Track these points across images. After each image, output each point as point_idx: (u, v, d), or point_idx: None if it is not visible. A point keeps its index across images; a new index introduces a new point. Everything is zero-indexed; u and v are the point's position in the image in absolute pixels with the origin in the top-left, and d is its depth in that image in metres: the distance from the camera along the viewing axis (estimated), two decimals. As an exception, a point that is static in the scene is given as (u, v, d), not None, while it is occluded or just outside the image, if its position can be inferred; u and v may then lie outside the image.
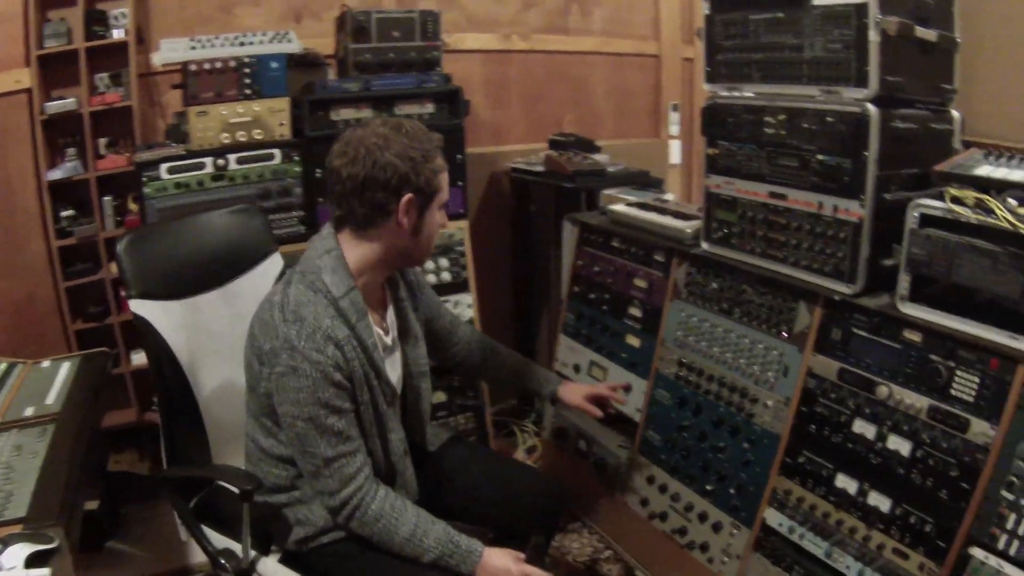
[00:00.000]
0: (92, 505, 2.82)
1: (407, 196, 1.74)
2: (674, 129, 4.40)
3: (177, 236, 2.21)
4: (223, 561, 1.89)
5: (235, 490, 1.81)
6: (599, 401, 2.40)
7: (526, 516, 2.15)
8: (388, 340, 1.94)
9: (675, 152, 4.38)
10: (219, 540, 1.98)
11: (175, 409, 2.09)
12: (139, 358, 3.16)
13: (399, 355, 2.02)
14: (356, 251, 1.81)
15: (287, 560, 1.92)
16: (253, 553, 1.90)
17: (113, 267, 3.03)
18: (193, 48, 2.84)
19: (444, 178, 1.81)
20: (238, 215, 2.34)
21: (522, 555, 1.86)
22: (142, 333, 2.05)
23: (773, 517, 2.29)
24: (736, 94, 2.37)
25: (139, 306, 2.03)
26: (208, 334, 2.16)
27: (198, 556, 2.85)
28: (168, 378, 2.06)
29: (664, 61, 4.33)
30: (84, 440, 2.16)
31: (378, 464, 1.88)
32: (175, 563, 2.86)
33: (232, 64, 2.83)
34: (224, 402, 2.17)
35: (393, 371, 1.96)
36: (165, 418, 2.08)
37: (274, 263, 2.35)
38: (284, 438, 1.82)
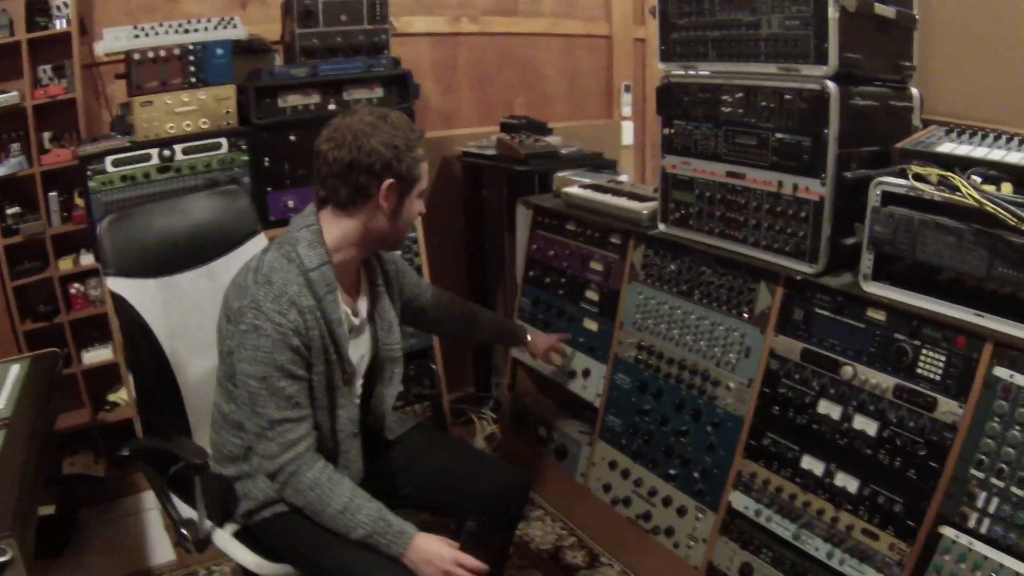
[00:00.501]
0: (48, 510, 2.74)
1: (388, 181, 1.80)
2: (626, 110, 4.35)
3: (160, 216, 2.22)
4: (184, 531, 1.93)
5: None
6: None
7: (488, 506, 2.11)
8: (356, 321, 1.98)
9: (628, 133, 4.33)
10: (187, 511, 2.01)
11: (152, 385, 2.12)
12: (91, 357, 3.07)
13: (367, 338, 2.05)
14: (335, 229, 1.86)
15: (240, 534, 1.96)
16: (209, 524, 1.95)
17: (62, 264, 2.95)
18: (137, 36, 2.73)
19: (424, 167, 1.89)
20: (223, 196, 2.36)
21: (456, 543, 1.84)
22: (118, 311, 2.08)
23: (739, 500, 2.27)
24: (691, 73, 2.32)
25: (116, 284, 2.06)
26: (189, 312, 2.18)
27: (159, 558, 2.81)
28: (144, 355, 2.09)
29: (615, 42, 4.26)
30: (37, 445, 2.09)
31: (324, 439, 1.90)
32: (136, 566, 2.79)
33: (177, 52, 2.72)
34: (204, 378, 2.18)
35: (356, 351, 1.98)
36: (141, 394, 2.14)
37: (258, 244, 2.34)
38: (239, 399, 1.85)
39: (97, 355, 3.05)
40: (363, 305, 2.03)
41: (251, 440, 1.85)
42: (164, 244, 2.17)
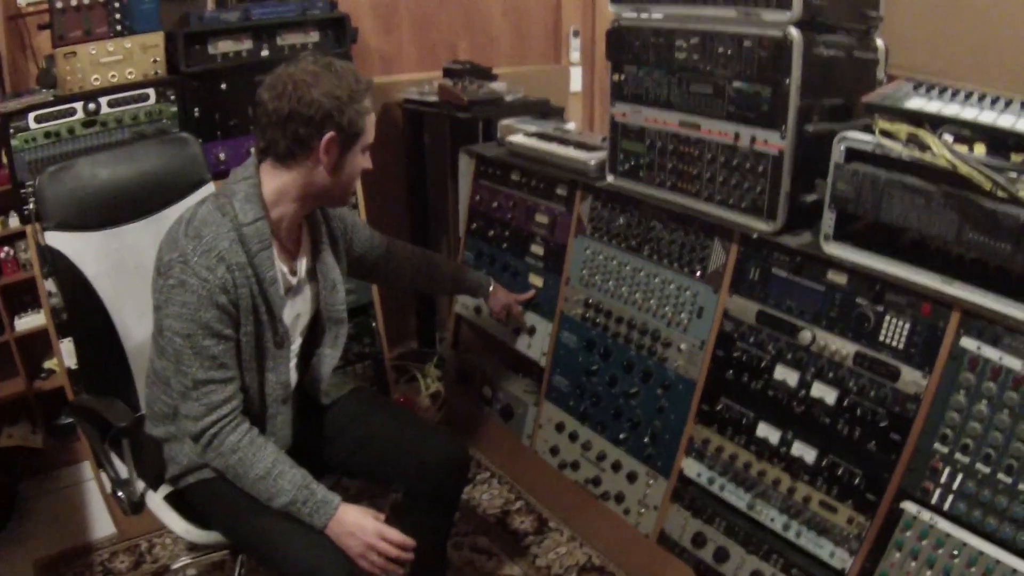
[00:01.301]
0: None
1: (329, 134, 1.71)
2: (575, 55, 4.15)
3: (103, 167, 2.11)
4: (120, 493, 1.91)
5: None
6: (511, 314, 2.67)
7: (423, 479, 2.02)
8: (293, 280, 1.89)
9: (576, 79, 4.15)
10: (126, 472, 1.97)
11: (92, 341, 2.07)
12: (24, 323, 2.90)
13: (306, 297, 1.98)
14: (274, 183, 1.78)
15: (171, 497, 1.94)
16: (142, 486, 1.93)
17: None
18: (59, -17, 2.54)
19: (370, 120, 1.79)
20: (170, 144, 2.26)
21: (381, 515, 1.77)
22: (56, 268, 2.02)
23: (691, 467, 2.19)
24: (644, 16, 2.16)
25: (54, 238, 1.99)
26: (134, 264, 2.10)
27: (101, 531, 2.74)
28: (84, 311, 2.04)
29: (564, -17, 4.07)
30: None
31: (251, 403, 1.83)
32: (78, 539, 2.71)
33: (101, -1, 2.54)
34: (148, 331, 2.07)
35: (291, 311, 1.91)
36: (81, 351, 2.10)
37: (206, 192, 2.22)
38: (167, 356, 1.79)
39: (30, 321, 2.89)
40: (303, 263, 1.94)
41: (176, 399, 1.78)
42: (109, 194, 2.09)
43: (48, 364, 3.05)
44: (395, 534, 1.74)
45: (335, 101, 1.70)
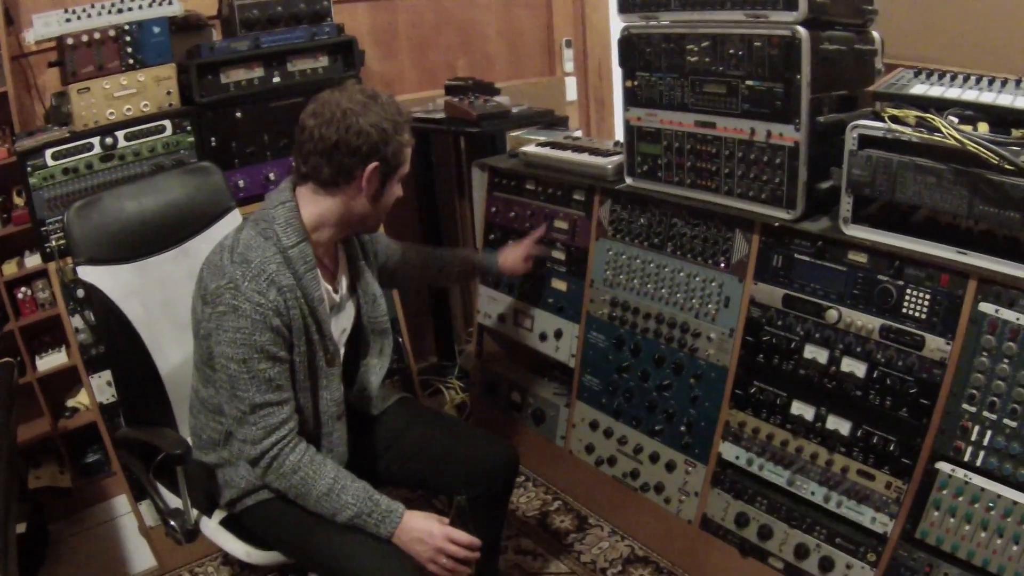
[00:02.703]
0: (20, 528, 2.63)
1: (373, 164, 1.76)
2: (568, 66, 4.28)
3: (129, 199, 2.17)
4: (172, 523, 1.93)
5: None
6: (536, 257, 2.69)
7: (477, 481, 2.08)
8: (336, 297, 1.94)
9: (571, 89, 4.27)
10: (174, 501, 2.01)
11: (130, 373, 2.11)
12: (45, 363, 2.91)
13: (349, 312, 2.03)
14: (314, 207, 1.82)
15: (228, 522, 1.96)
16: (195, 513, 1.95)
17: (6, 268, 2.79)
18: (68, 20, 2.58)
19: (409, 152, 1.85)
20: (194, 174, 2.32)
21: (446, 519, 1.81)
22: (91, 300, 2.07)
23: (729, 451, 2.28)
24: (652, 23, 2.27)
25: (86, 272, 2.04)
26: (164, 294, 2.16)
27: (139, 565, 2.73)
28: (120, 343, 2.08)
29: (554, -3, 4.21)
30: (5, 461, 1.97)
31: (307, 422, 1.86)
32: None
33: (112, 33, 2.58)
34: (186, 362, 2.14)
35: (337, 327, 1.95)
36: (120, 382, 2.13)
37: (233, 220, 2.32)
38: (218, 383, 1.81)
39: (51, 360, 2.91)
40: (343, 281, 1.99)
41: (231, 425, 1.80)
42: (136, 227, 2.14)
43: (72, 402, 3.05)
44: (463, 536, 1.78)
45: (382, 133, 1.74)
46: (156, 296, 2.15)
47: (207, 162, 2.39)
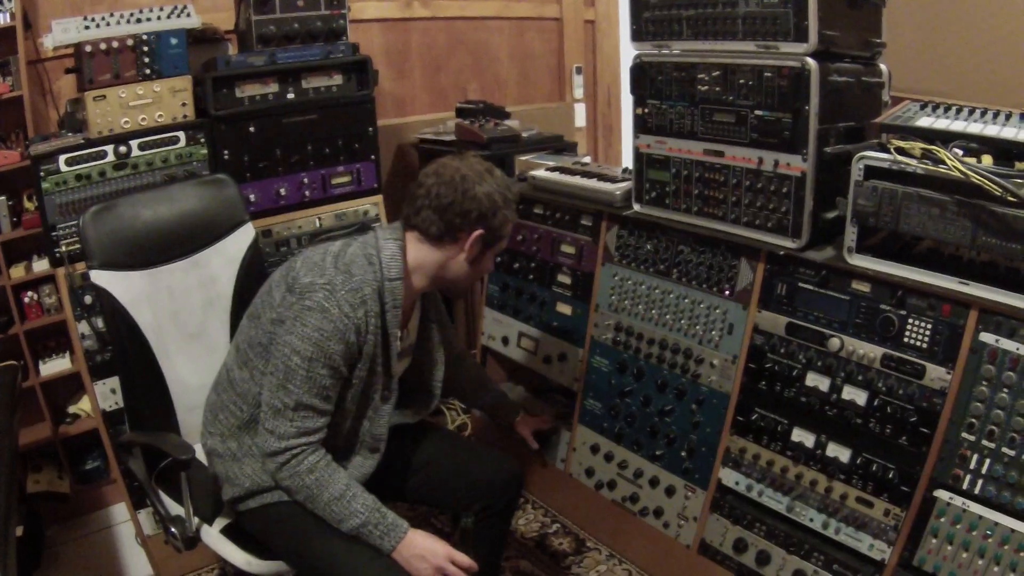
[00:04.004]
0: (17, 532, 2.59)
1: (479, 231, 1.86)
2: (578, 92, 4.35)
3: (144, 207, 2.20)
4: (172, 529, 1.94)
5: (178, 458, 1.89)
6: (538, 435, 2.68)
7: (483, 497, 2.10)
8: (403, 345, 2.01)
9: (580, 115, 4.34)
10: (175, 508, 2.02)
11: (137, 378, 2.13)
12: (48, 368, 2.92)
13: (404, 364, 2.10)
14: (416, 253, 1.90)
15: (228, 530, 1.97)
16: (197, 521, 1.96)
17: (14, 272, 2.81)
18: (87, 28, 2.61)
19: (510, 229, 1.95)
20: (209, 186, 2.35)
21: (447, 541, 1.84)
22: (101, 304, 2.10)
23: (729, 476, 2.29)
24: (664, 52, 2.32)
25: (99, 276, 2.07)
26: (174, 303, 2.20)
27: (135, 574, 2.72)
28: (128, 349, 2.11)
29: (566, 24, 4.25)
30: (6, 464, 1.97)
31: (339, 442, 1.90)
32: None
33: (129, 43, 2.61)
34: (192, 370, 2.21)
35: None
36: (126, 387, 2.15)
37: (245, 233, 2.36)
38: (260, 369, 1.86)
39: (55, 365, 2.91)
40: (410, 334, 2.08)
41: (264, 413, 1.82)
42: (150, 235, 2.17)
43: (73, 409, 3.05)
44: (464, 558, 1.80)
45: (492, 203, 1.85)
46: (165, 304, 2.18)
47: (223, 175, 2.42)
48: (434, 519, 2.87)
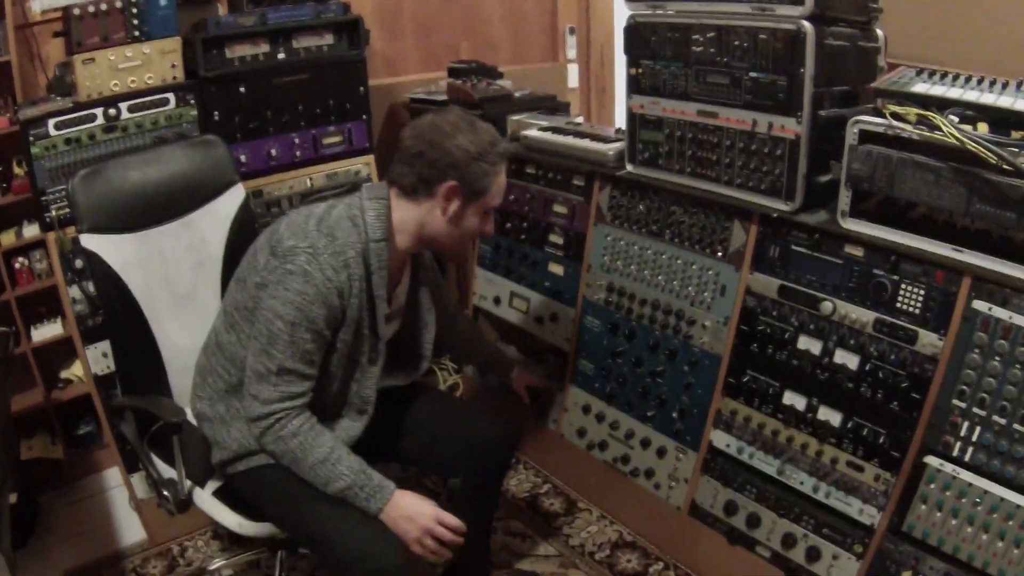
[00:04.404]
0: (11, 499, 2.61)
1: (451, 182, 1.81)
2: (571, 53, 4.29)
3: (133, 169, 2.19)
4: (165, 492, 1.96)
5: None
6: (532, 391, 2.67)
7: (476, 459, 2.12)
8: (387, 308, 1.96)
9: (573, 76, 4.29)
10: (168, 471, 2.04)
11: (128, 343, 2.13)
12: (40, 334, 2.91)
13: (392, 327, 2.07)
14: (398, 212, 1.88)
15: (220, 493, 1.98)
16: (189, 484, 1.97)
17: (4, 238, 2.79)
18: (75, -9, 2.56)
19: (496, 184, 1.89)
20: (198, 147, 2.34)
21: (435, 501, 1.84)
22: (92, 268, 2.09)
23: (720, 438, 2.31)
24: (659, 12, 2.27)
25: (89, 240, 2.06)
26: (165, 266, 2.20)
27: (129, 539, 2.73)
28: (120, 312, 2.10)
29: (559, -17, 4.20)
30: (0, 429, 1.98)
31: (326, 404, 1.90)
32: (106, 549, 2.70)
33: (118, 5, 2.57)
34: (181, 331, 2.21)
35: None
36: (117, 351, 2.15)
37: (235, 194, 2.36)
38: (246, 333, 1.85)
39: (47, 331, 2.90)
40: (400, 296, 2.06)
41: (248, 378, 1.81)
42: (139, 197, 2.16)
43: (65, 374, 3.05)
44: (452, 519, 1.81)
45: (464, 154, 1.80)
46: (157, 267, 2.17)
47: (212, 135, 2.40)
48: (426, 479, 2.88)
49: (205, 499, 1.98)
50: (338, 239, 1.78)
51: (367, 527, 1.77)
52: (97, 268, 2.07)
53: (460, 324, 2.46)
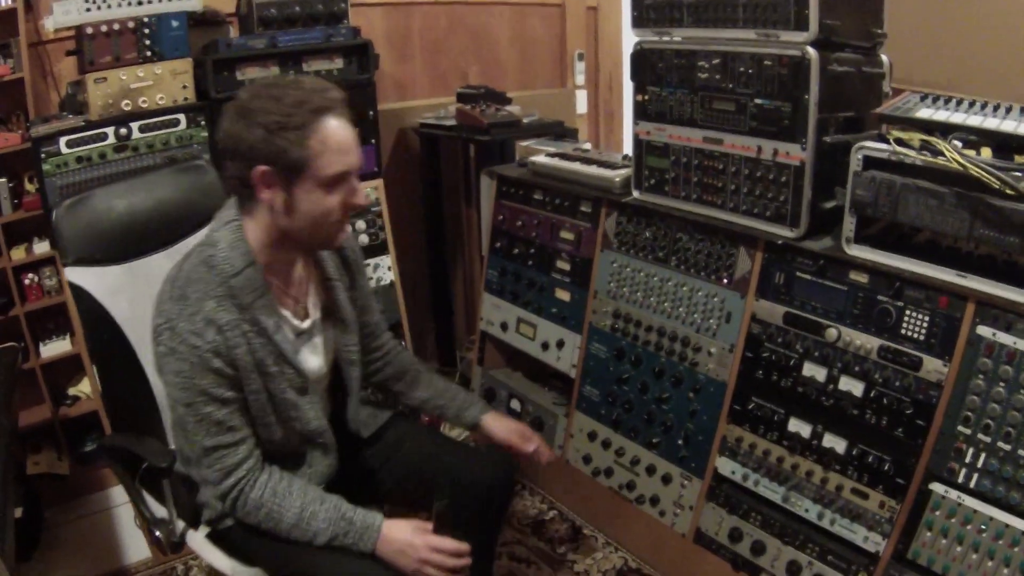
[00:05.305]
0: (16, 513, 2.61)
1: (260, 167, 1.56)
2: (580, 78, 4.33)
3: (120, 198, 2.08)
4: (157, 533, 1.85)
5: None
6: (524, 441, 2.13)
7: (474, 498, 1.97)
8: (304, 324, 1.79)
9: (582, 102, 4.32)
10: (160, 510, 1.92)
11: (119, 380, 2.00)
12: (49, 350, 2.93)
13: (321, 342, 1.86)
14: (250, 226, 1.66)
15: (213, 536, 1.87)
16: (182, 525, 1.86)
17: (14, 254, 2.81)
18: (88, 10, 2.60)
19: (314, 147, 1.55)
20: (187, 173, 2.23)
21: (428, 525, 1.72)
22: (79, 304, 1.96)
23: (725, 465, 2.29)
24: (665, 39, 2.30)
25: (74, 273, 1.94)
26: (154, 295, 2.00)
27: (134, 556, 2.73)
28: (108, 347, 1.98)
29: (568, 10, 4.22)
30: (5, 445, 1.97)
31: (279, 449, 1.76)
32: (111, 565, 2.71)
33: (130, 25, 2.61)
34: None
35: (314, 356, 1.83)
36: (106, 388, 2.03)
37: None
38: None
39: (55, 347, 2.93)
40: (314, 306, 1.84)
41: (192, 464, 1.73)
42: (128, 226, 2.05)
43: (73, 390, 3.06)
44: (447, 543, 1.70)
45: (261, 130, 1.54)
46: (146, 296, 1.96)
47: (202, 160, 2.35)
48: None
49: (198, 541, 1.87)
50: (190, 298, 1.59)
51: (364, 568, 1.68)
52: (83, 302, 1.96)
53: (388, 341, 2.17)
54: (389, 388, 2.19)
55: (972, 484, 1.78)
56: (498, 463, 2.05)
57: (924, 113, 1.89)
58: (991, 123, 1.81)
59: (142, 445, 1.86)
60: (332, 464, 1.87)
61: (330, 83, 1.63)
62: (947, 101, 1.94)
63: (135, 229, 2.06)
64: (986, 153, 1.74)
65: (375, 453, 2.04)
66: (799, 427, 2.11)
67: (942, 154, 1.74)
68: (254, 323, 1.63)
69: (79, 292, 1.95)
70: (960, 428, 1.81)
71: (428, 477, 2.00)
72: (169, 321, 1.59)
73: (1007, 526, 1.72)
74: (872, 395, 1.96)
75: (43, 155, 2.53)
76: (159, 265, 2.04)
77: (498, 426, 2.12)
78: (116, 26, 2.60)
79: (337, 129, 1.58)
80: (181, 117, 2.74)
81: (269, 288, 1.68)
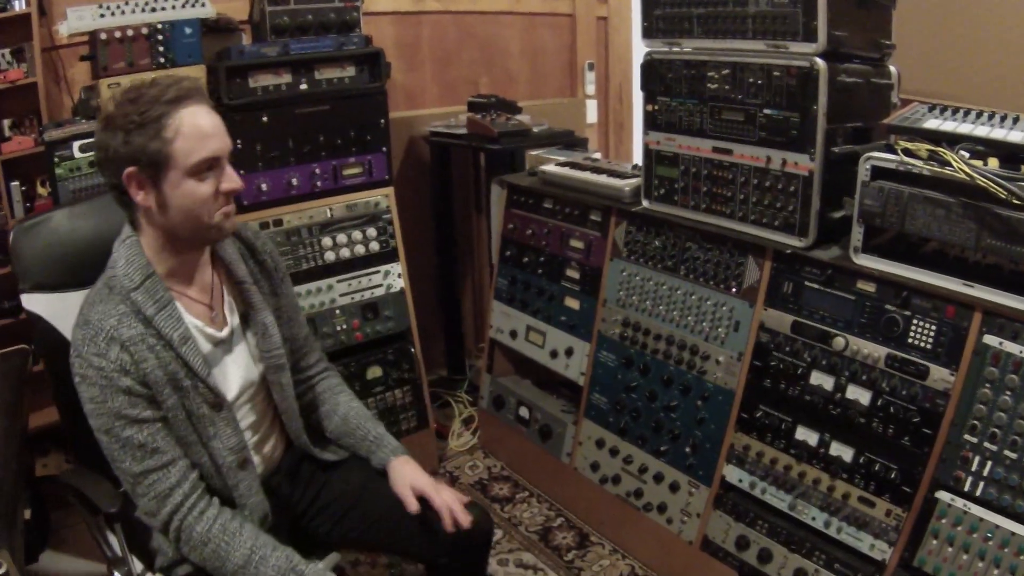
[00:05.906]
0: (25, 515, 2.63)
1: (127, 171, 1.53)
2: (590, 88, 4.36)
3: (81, 219, 1.98)
4: (116, 572, 1.74)
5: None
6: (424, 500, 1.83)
7: (449, 549, 1.82)
8: (222, 333, 1.73)
9: (592, 111, 4.35)
10: (121, 549, 1.80)
11: (77, 409, 1.75)
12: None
13: (244, 348, 1.79)
14: (143, 237, 1.64)
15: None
16: (141, 567, 1.77)
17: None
18: (102, 16, 2.61)
19: (175, 137, 1.52)
20: None
21: None
22: (34, 331, 1.86)
23: (732, 473, 2.31)
24: (675, 49, 2.32)
25: (31, 300, 1.85)
26: None
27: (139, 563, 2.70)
28: (68, 378, 1.74)
29: (578, 20, 4.25)
30: (15, 448, 1.97)
31: (209, 477, 1.68)
32: None
33: (144, 31, 2.63)
34: None
35: (236, 366, 1.76)
36: (68, 422, 1.87)
37: None
38: None
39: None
40: (230, 312, 1.77)
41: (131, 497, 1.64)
42: (86, 250, 1.90)
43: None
44: None
45: (120, 135, 1.52)
46: None
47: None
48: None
49: (156, 583, 1.75)
50: (92, 321, 1.55)
51: None
52: (42, 331, 1.85)
53: (316, 360, 2.06)
54: (308, 416, 2.04)
55: (978, 492, 1.79)
56: (475, 516, 1.82)
57: (932, 124, 1.91)
58: (998, 133, 1.83)
59: (93, 486, 1.77)
60: (262, 499, 1.75)
61: (187, 75, 1.62)
62: (954, 112, 1.96)
63: (94, 253, 1.85)
64: (993, 163, 1.76)
65: (337, 494, 1.91)
66: (806, 435, 2.12)
67: (950, 164, 1.75)
68: (161, 335, 1.59)
69: (36, 320, 1.87)
70: (966, 437, 1.82)
71: (398, 527, 1.84)
72: (75, 349, 1.56)
73: (1013, 534, 1.72)
74: (879, 404, 1.97)
75: (56, 159, 2.55)
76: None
77: (398, 476, 1.87)
78: (130, 32, 2.62)
79: (194, 116, 1.55)
80: (192, 123, 2.74)
81: (174, 298, 1.64)
